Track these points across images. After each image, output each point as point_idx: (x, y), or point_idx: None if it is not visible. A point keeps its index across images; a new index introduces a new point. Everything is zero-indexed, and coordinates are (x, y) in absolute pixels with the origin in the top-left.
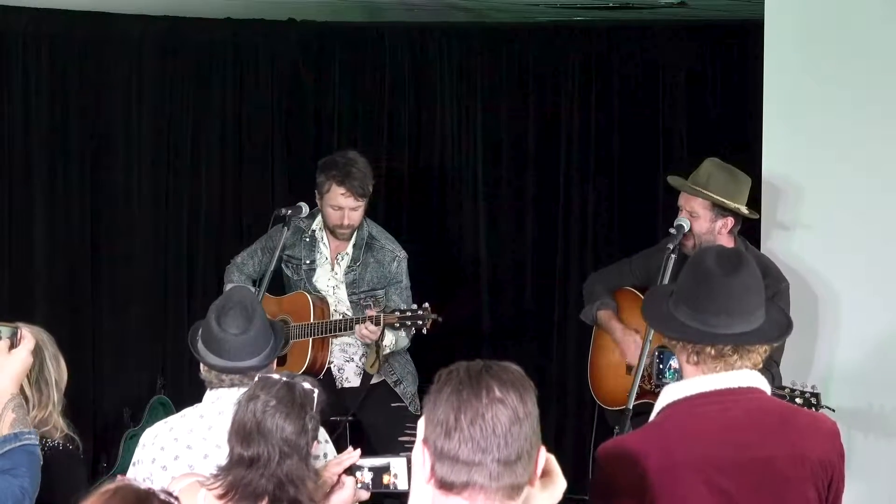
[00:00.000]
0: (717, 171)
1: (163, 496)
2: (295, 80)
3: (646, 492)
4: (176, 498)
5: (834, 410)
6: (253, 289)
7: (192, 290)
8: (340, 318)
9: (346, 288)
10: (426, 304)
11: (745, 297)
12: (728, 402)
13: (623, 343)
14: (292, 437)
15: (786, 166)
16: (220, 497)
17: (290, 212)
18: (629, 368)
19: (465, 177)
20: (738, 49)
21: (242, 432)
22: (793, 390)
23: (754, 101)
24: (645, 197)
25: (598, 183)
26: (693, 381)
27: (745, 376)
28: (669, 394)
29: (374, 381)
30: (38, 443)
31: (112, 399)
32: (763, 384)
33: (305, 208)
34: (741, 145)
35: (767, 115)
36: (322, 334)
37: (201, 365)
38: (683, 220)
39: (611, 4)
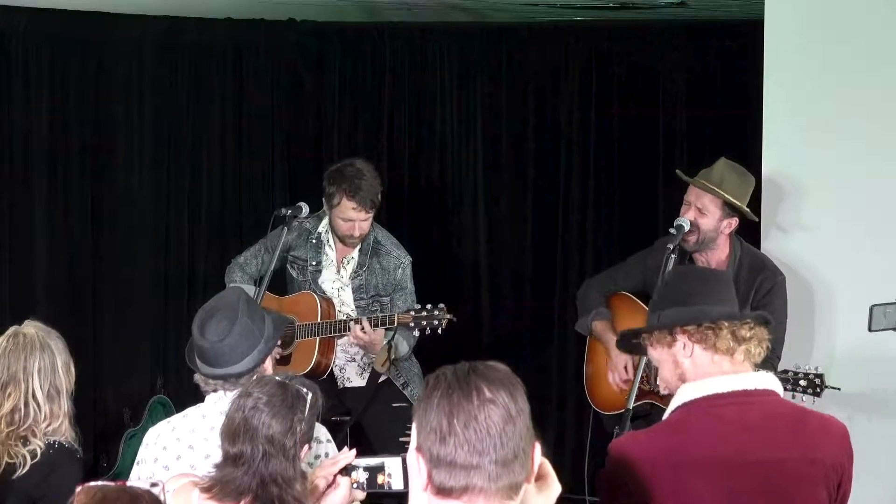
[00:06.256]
0: (730, 172)
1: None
2: (295, 80)
3: (655, 489)
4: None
5: (839, 389)
6: (253, 288)
7: (192, 290)
8: (345, 317)
9: (353, 292)
10: (441, 305)
11: (725, 285)
12: (744, 403)
13: (615, 360)
14: (278, 436)
15: (786, 166)
16: (204, 490)
17: (289, 212)
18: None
19: (465, 177)
20: (738, 49)
21: (231, 429)
22: (796, 373)
23: (754, 101)
24: (645, 198)
25: (599, 183)
26: (709, 381)
27: (761, 378)
28: (686, 393)
29: (378, 380)
30: None
31: (112, 399)
32: (777, 387)
33: (305, 208)
34: (741, 145)
35: (767, 115)
36: (328, 333)
37: None
38: (683, 220)
39: (611, 4)
